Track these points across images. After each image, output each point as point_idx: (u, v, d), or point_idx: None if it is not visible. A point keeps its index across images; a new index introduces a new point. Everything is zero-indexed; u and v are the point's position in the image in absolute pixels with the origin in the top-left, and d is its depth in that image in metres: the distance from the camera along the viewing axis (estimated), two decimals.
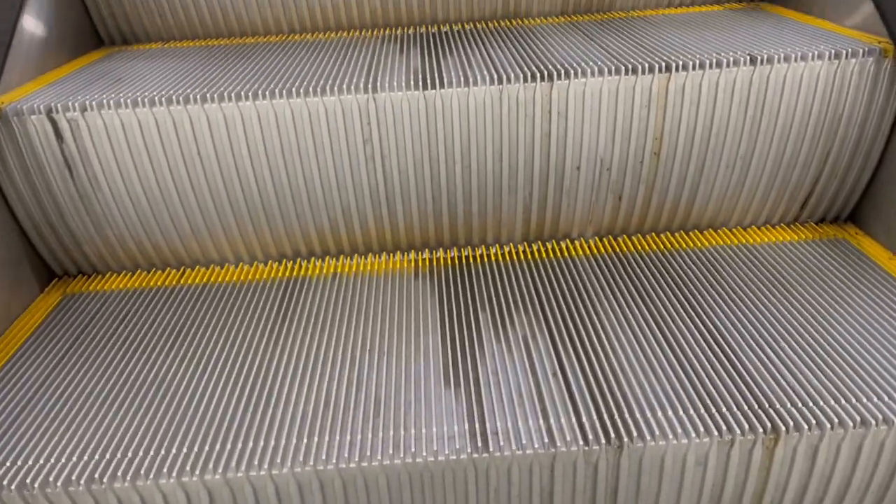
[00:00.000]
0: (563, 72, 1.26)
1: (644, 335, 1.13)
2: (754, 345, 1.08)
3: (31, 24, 1.43)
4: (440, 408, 1.00)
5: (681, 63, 1.25)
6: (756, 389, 0.99)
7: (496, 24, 1.75)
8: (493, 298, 1.27)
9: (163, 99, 1.23)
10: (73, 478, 0.91)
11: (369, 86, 1.25)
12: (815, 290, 1.22)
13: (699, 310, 1.19)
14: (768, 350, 1.07)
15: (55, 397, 1.07)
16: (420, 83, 1.26)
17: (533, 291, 1.28)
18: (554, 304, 1.24)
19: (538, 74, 1.26)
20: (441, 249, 1.43)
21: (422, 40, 1.63)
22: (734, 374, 1.02)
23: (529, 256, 1.40)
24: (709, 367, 1.04)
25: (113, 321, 1.26)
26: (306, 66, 1.42)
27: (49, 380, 1.11)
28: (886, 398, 0.96)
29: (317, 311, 1.25)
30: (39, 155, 1.26)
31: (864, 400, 0.96)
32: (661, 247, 1.40)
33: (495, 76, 1.26)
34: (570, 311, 1.21)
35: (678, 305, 1.20)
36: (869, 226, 1.39)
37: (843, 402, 0.96)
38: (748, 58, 1.25)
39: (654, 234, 1.44)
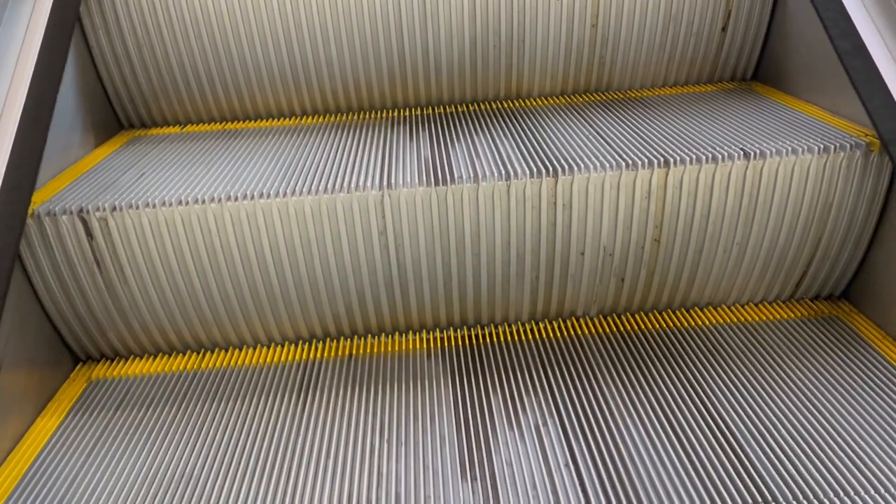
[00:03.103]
0: (566, 167, 1.33)
1: (651, 423, 1.18)
2: (756, 433, 1.14)
3: (62, 119, 1.50)
4: (458, 502, 1.05)
5: (678, 158, 1.32)
6: (759, 482, 1.04)
7: (499, 104, 1.83)
8: (504, 381, 1.32)
9: (188, 198, 1.29)
10: None
11: (384, 182, 1.32)
12: (812, 375, 1.27)
13: (702, 395, 1.24)
14: (770, 440, 1.12)
15: (87, 494, 1.11)
16: (432, 178, 1.33)
17: (542, 373, 1.33)
18: (563, 387, 1.29)
19: (543, 170, 1.33)
20: (452, 329, 1.49)
21: (430, 123, 1.70)
22: (738, 465, 1.07)
23: (537, 335, 1.46)
24: (714, 458, 1.09)
25: (138, 410, 1.31)
26: (322, 156, 1.49)
27: (80, 476, 1.15)
28: (882, 490, 1.01)
29: (335, 397, 1.30)
30: (70, 251, 1.32)
31: (861, 492, 1.01)
32: (663, 324, 1.46)
33: (503, 172, 1.33)
34: (579, 396, 1.26)
35: (682, 390, 1.25)
36: (861, 304, 1.45)
37: (841, 494, 1.01)
38: (741, 152, 1.32)
39: (655, 311, 1.50)
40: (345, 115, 1.82)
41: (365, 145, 1.56)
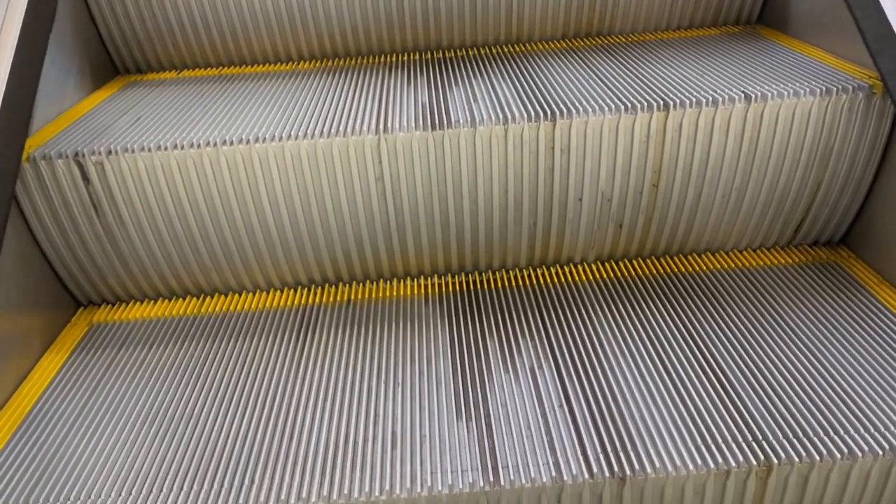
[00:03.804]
0: (565, 110, 1.31)
1: (644, 365, 1.19)
2: (749, 374, 1.15)
3: (55, 61, 1.48)
4: (453, 441, 1.07)
5: (678, 101, 1.30)
6: (750, 421, 1.05)
7: (498, 49, 1.80)
8: (501, 325, 1.33)
9: (184, 143, 1.29)
10: None
11: (380, 127, 1.31)
12: (807, 318, 1.28)
13: (697, 339, 1.25)
14: (762, 380, 1.13)
15: (89, 433, 1.13)
16: (429, 123, 1.32)
17: (538, 318, 1.34)
18: (559, 331, 1.30)
19: (541, 113, 1.31)
20: (449, 275, 1.50)
21: (427, 68, 1.68)
22: (730, 405, 1.09)
23: (534, 280, 1.46)
24: (706, 398, 1.10)
25: (140, 351, 1.33)
26: (318, 101, 1.48)
27: (83, 413, 1.18)
28: (872, 429, 1.02)
29: (333, 339, 1.32)
30: (67, 196, 1.32)
31: (852, 432, 1.02)
32: (661, 270, 1.46)
33: (500, 115, 1.32)
34: (575, 340, 1.27)
35: (676, 334, 1.26)
36: (860, 249, 1.45)
37: (831, 433, 1.02)
38: (742, 95, 1.30)
39: (653, 257, 1.50)
40: (342, 59, 1.80)
41: (362, 90, 1.55)
